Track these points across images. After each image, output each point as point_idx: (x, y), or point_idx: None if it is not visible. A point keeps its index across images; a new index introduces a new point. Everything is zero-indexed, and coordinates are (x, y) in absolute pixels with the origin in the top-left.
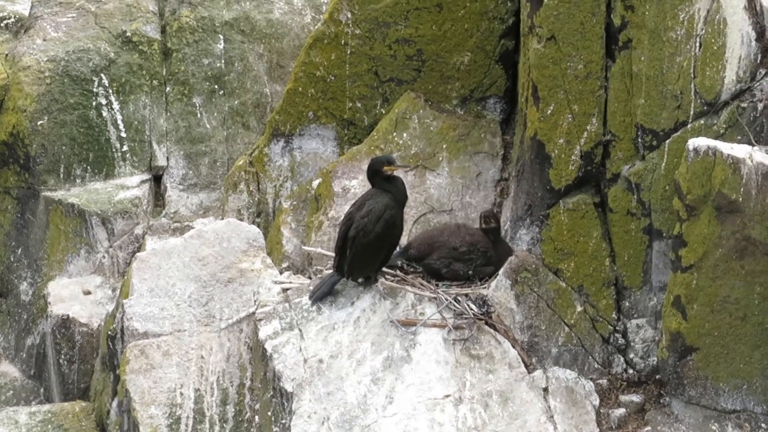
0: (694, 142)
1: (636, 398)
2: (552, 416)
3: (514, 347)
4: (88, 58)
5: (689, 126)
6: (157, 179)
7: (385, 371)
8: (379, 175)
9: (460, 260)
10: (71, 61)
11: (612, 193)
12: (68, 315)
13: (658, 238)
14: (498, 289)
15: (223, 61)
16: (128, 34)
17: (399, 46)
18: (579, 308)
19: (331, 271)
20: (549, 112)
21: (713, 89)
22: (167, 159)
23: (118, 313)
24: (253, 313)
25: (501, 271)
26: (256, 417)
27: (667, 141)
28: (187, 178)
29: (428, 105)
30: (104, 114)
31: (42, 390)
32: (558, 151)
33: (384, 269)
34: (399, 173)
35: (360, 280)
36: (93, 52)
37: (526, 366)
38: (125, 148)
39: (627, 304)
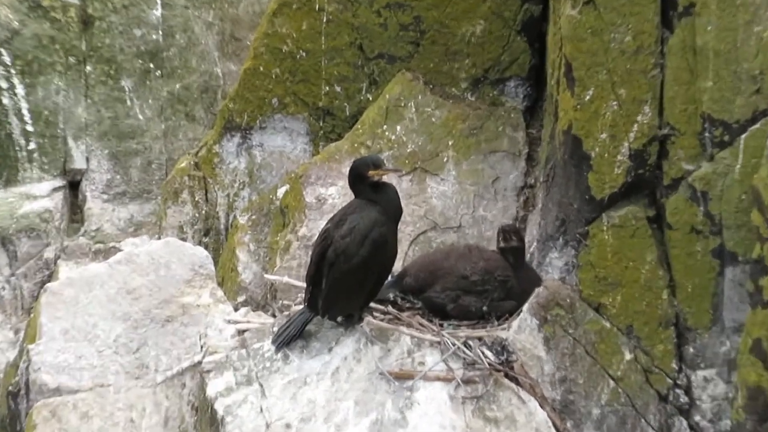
0: None
1: None
2: None
3: (542, 408)
4: None
5: None
6: (73, 186)
7: None
8: (364, 181)
9: (472, 292)
10: None
11: (671, 203)
12: None
13: (732, 262)
14: (521, 331)
15: (160, 33)
16: None
17: (390, 13)
18: (628, 356)
19: (301, 306)
20: (587, 98)
21: None
22: (87, 160)
23: (21, 362)
24: (200, 362)
25: (525, 308)
26: None
27: (743, 136)
28: (113, 185)
29: (429, 89)
30: (5, 101)
31: None
32: (600, 150)
33: (372, 305)
34: (390, 179)
35: (340, 319)
36: None
37: None
38: (32, 145)
39: (691, 350)
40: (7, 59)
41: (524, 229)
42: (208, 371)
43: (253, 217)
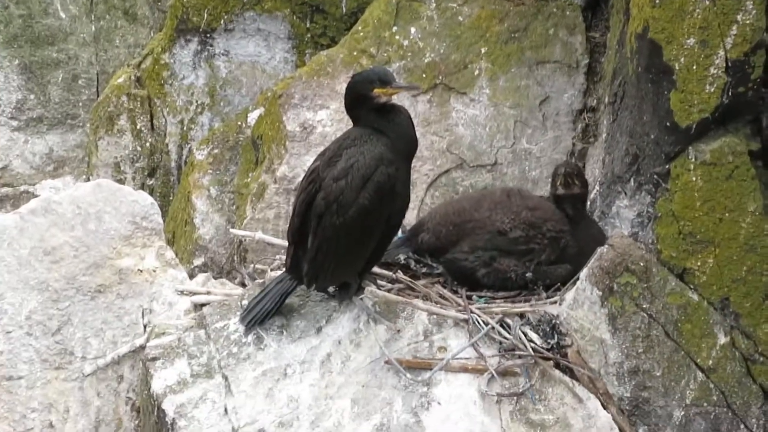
0: None
1: None
2: None
3: (606, 408)
4: None
5: None
6: None
7: None
8: (366, 103)
9: (512, 254)
10: None
11: None
12: None
13: None
14: (578, 306)
15: None
16: None
17: None
18: (723, 339)
19: (280, 273)
20: None
21: None
22: None
23: None
24: (142, 347)
25: (583, 274)
26: None
27: None
28: (26, 108)
29: None
30: None
31: None
32: (686, 60)
33: (375, 270)
34: (401, 100)
35: (332, 289)
36: None
37: None
38: None
39: None
40: None
41: (583, 167)
42: (154, 359)
43: (215, 151)
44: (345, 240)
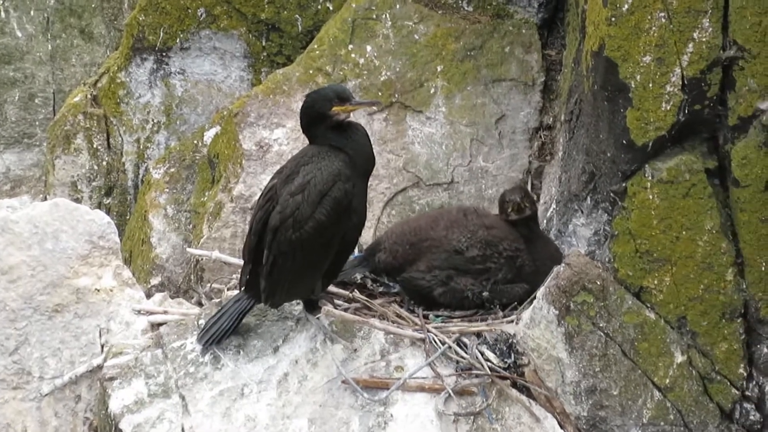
0: None
1: None
2: None
3: (563, 427)
4: None
5: None
6: None
7: None
8: (324, 121)
9: (468, 273)
10: None
11: (739, 151)
12: None
13: None
14: (535, 325)
15: None
16: None
17: None
18: (679, 358)
19: (237, 292)
20: (626, 7)
21: None
22: None
23: None
24: (99, 366)
25: (540, 293)
26: None
27: None
28: None
29: None
30: None
31: None
32: (642, 78)
33: (331, 289)
34: (358, 117)
35: (289, 306)
36: None
37: None
38: None
39: (765, 350)
40: None
41: (540, 187)
42: (111, 379)
43: (172, 170)
44: (300, 255)
